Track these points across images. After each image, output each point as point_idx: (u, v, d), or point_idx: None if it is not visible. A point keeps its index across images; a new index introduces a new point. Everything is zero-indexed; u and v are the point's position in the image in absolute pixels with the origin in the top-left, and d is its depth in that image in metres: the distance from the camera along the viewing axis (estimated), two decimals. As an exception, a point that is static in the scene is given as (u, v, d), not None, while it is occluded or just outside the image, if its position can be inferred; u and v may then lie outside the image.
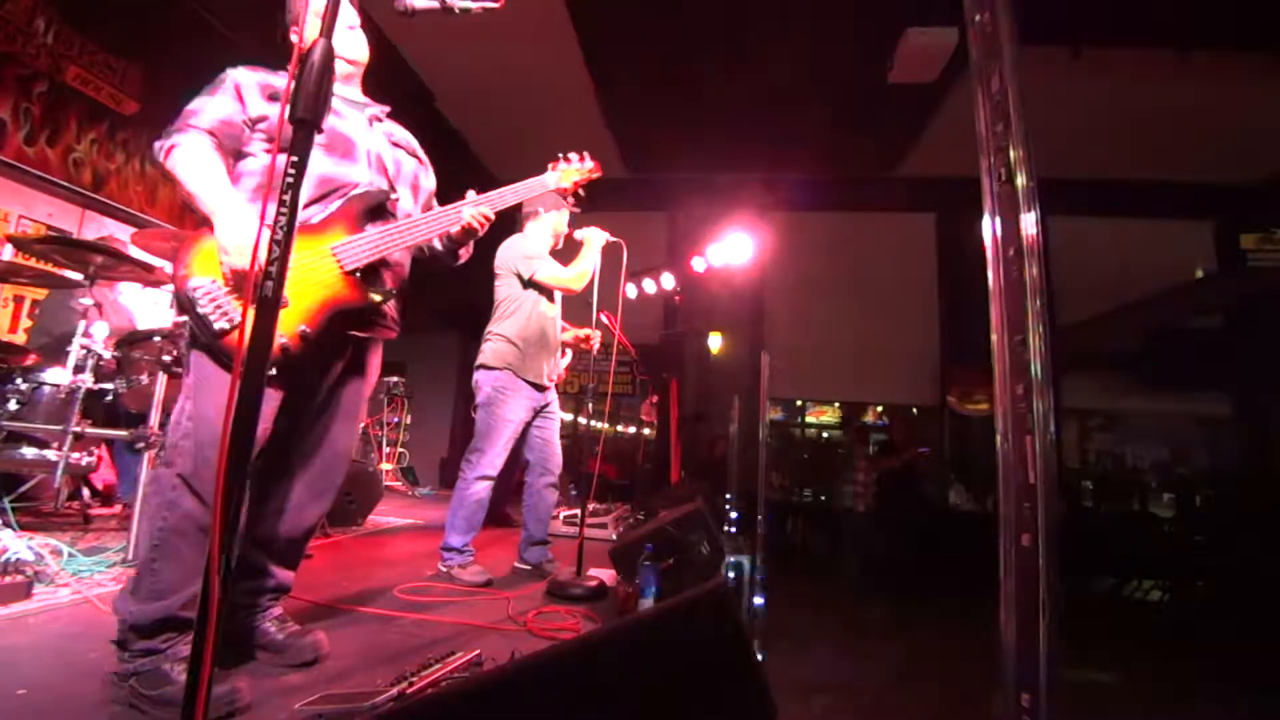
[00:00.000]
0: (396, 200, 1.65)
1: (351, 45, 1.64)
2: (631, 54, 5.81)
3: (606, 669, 0.85)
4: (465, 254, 1.81)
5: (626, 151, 7.60)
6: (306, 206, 1.44)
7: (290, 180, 0.74)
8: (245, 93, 1.47)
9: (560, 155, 2.02)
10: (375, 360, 1.68)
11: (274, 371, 1.29)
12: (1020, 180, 0.81)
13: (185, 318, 1.33)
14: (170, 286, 1.33)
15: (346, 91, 1.65)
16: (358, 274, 1.43)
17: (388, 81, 6.09)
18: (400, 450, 6.44)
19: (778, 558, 5.64)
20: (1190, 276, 7.17)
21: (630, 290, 6.33)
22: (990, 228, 0.85)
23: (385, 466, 5.74)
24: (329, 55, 0.79)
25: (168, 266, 1.38)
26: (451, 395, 8.32)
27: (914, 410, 8.38)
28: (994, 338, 0.82)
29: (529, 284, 2.74)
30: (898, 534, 6.59)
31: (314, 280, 1.37)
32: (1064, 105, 5.69)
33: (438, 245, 1.75)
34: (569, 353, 3.56)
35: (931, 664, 3.54)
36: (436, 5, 1.31)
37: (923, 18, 4.94)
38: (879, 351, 7.88)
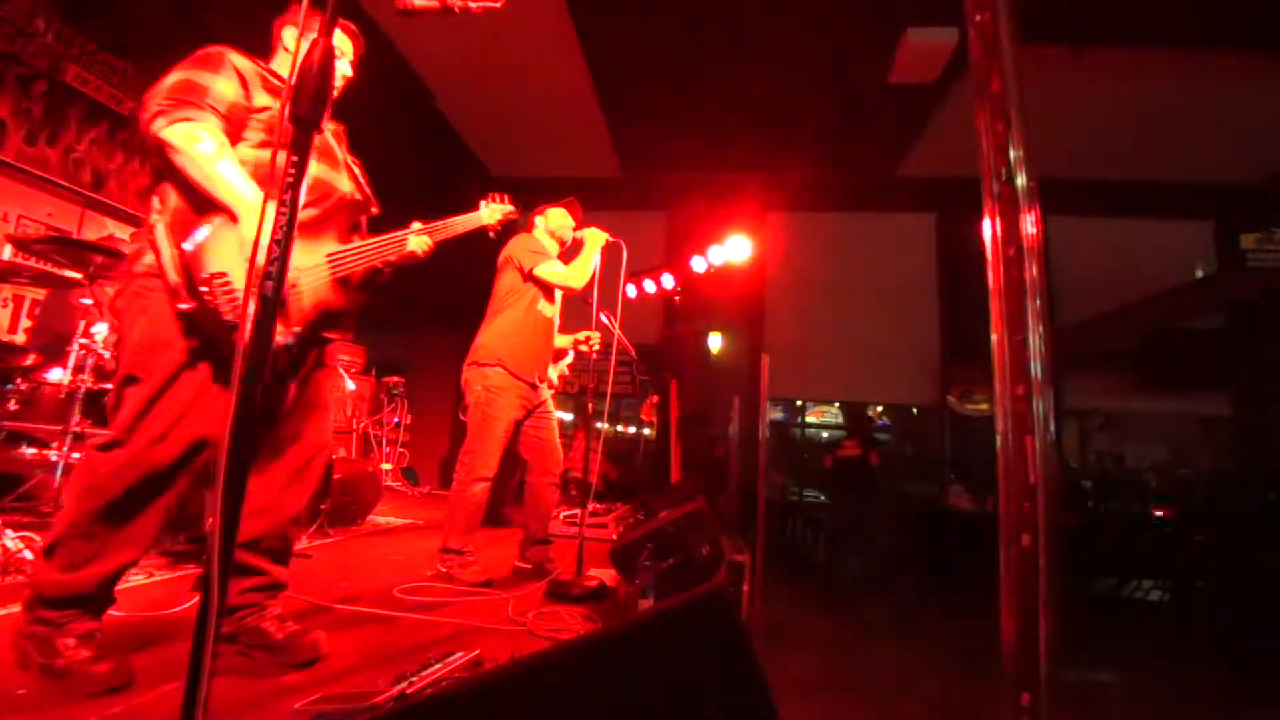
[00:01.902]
0: (377, 213, 1.71)
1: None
2: (631, 53, 5.82)
3: (606, 669, 0.85)
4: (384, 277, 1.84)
5: (626, 151, 7.60)
6: (305, 209, 1.47)
7: (291, 180, 0.75)
8: (249, 80, 1.45)
9: (491, 194, 2.24)
10: (335, 356, 1.74)
11: None
12: (1020, 180, 0.81)
13: (189, 304, 1.29)
14: (176, 267, 1.29)
15: None
16: (341, 281, 1.51)
17: (388, 81, 6.10)
18: (400, 450, 6.43)
19: (778, 558, 5.65)
20: (1190, 276, 7.17)
21: (630, 290, 6.33)
22: (990, 228, 0.85)
23: (385, 466, 5.73)
24: (330, 55, 0.80)
25: (166, 249, 1.30)
26: (451, 395, 8.32)
27: (914, 410, 8.38)
28: (994, 338, 0.82)
29: (529, 279, 2.73)
30: (896, 534, 6.60)
31: (310, 284, 1.44)
32: (1064, 105, 5.69)
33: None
34: (570, 353, 3.55)
35: (931, 664, 3.54)
36: (436, 5, 1.31)
37: (923, 18, 4.94)
38: (879, 351, 7.88)
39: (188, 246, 1.29)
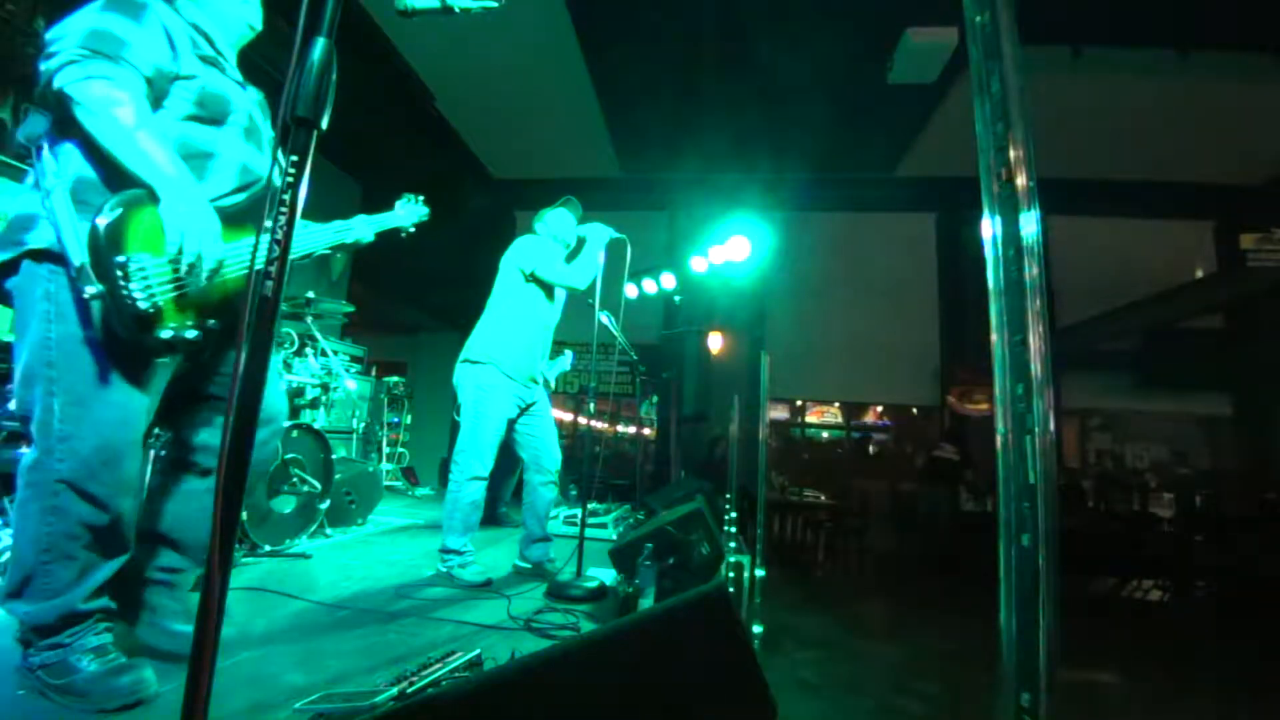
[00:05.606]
0: None
1: (251, 9, 1.46)
2: (631, 53, 5.81)
3: (606, 669, 0.85)
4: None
5: (625, 151, 7.60)
6: (231, 195, 1.37)
7: (290, 180, 0.74)
8: (178, 42, 1.27)
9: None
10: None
11: (167, 360, 1.28)
12: (1020, 180, 0.81)
13: (98, 288, 1.11)
14: (84, 245, 1.12)
15: (235, 67, 1.46)
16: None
17: (388, 81, 6.09)
18: (400, 450, 6.43)
19: (778, 557, 5.65)
20: (1190, 276, 7.18)
21: (630, 290, 6.33)
22: (990, 228, 0.85)
23: (385, 466, 5.73)
24: (330, 54, 0.79)
25: (80, 226, 1.13)
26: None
27: (914, 410, 8.38)
28: (994, 338, 0.82)
29: (530, 279, 2.72)
30: (898, 533, 6.63)
31: (232, 275, 1.33)
32: (1064, 105, 5.69)
33: None
34: (568, 352, 3.53)
35: (931, 664, 3.55)
36: (437, 5, 1.31)
37: (923, 18, 4.94)
38: (879, 351, 7.89)
39: (100, 223, 1.11)
